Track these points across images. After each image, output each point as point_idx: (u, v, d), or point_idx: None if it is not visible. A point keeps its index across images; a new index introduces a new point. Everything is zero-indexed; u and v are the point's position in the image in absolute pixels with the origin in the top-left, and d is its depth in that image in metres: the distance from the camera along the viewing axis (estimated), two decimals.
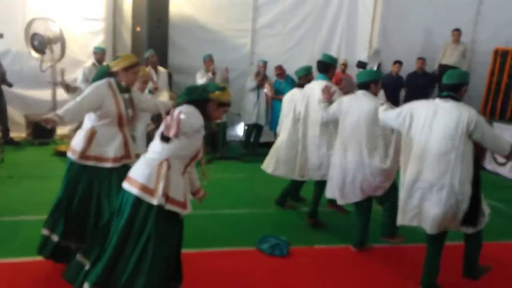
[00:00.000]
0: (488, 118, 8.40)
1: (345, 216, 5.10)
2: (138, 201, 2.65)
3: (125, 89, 3.39)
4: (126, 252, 2.68)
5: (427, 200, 3.31)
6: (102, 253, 2.73)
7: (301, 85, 5.14)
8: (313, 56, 9.08)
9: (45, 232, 3.40)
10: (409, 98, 8.76)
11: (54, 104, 7.59)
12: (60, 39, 7.32)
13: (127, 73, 3.32)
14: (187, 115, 2.59)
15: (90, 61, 7.15)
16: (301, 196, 5.57)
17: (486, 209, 3.42)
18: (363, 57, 9.15)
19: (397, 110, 3.62)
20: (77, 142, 3.34)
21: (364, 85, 4.05)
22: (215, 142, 7.86)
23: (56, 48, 7.36)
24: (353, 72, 8.97)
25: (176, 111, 2.51)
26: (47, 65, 7.41)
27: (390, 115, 3.65)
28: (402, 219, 3.50)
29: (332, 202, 4.92)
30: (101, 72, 3.42)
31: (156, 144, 2.67)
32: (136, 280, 2.63)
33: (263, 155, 7.91)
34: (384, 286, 3.65)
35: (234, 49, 8.57)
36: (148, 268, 2.61)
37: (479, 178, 3.35)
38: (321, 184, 4.65)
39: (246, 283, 3.48)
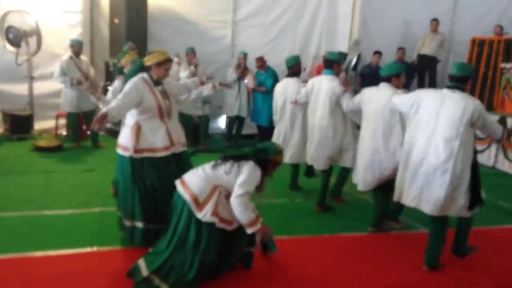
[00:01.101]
0: None
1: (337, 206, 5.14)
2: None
3: (157, 83, 3.63)
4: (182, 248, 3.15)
5: (430, 183, 3.51)
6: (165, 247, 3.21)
7: (293, 74, 5.46)
8: (294, 48, 9.11)
9: (127, 223, 3.71)
10: None
11: (31, 99, 7.46)
12: (36, 32, 7.16)
13: (159, 68, 3.56)
14: (251, 176, 3.14)
15: (67, 54, 7.00)
16: (299, 185, 5.73)
17: (482, 194, 3.62)
18: (343, 48, 9.19)
19: (407, 96, 3.85)
20: (125, 139, 3.61)
21: (386, 78, 4.26)
22: (197, 135, 7.82)
23: (32, 41, 7.20)
24: None
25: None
26: (23, 59, 7.25)
27: (400, 100, 3.88)
28: (404, 199, 3.75)
29: (334, 194, 5.25)
30: (135, 67, 3.67)
31: (219, 171, 3.20)
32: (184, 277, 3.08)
33: (245, 147, 7.97)
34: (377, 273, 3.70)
35: (214, 41, 8.50)
36: (196, 267, 3.08)
37: (477, 164, 3.58)
38: (327, 173, 4.95)
39: (242, 274, 3.49)
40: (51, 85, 7.49)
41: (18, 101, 7.41)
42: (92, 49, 8.04)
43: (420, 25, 9.25)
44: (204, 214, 3.08)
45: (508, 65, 7.85)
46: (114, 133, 7.84)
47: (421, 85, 9.33)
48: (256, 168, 3.17)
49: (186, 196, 3.12)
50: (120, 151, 3.68)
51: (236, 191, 3.07)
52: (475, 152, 3.61)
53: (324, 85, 4.80)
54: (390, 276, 3.63)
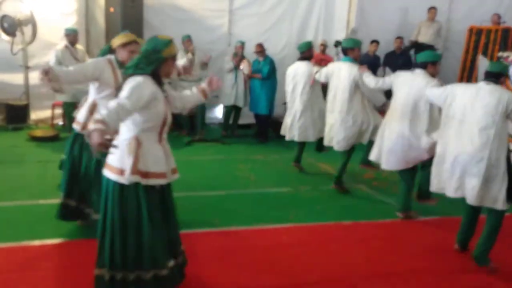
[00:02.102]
0: None
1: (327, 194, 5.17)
2: (120, 185, 2.66)
3: (121, 65, 3.56)
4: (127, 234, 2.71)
5: (468, 172, 3.59)
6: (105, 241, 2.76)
7: (304, 58, 5.84)
8: (291, 36, 9.07)
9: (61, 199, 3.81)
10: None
11: (27, 88, 7.42)
12: (31, 21, 7.09)
13: (123, 49, 3.55)
14: (132, 90, 2.56)
15: (62, 43, 6.95)
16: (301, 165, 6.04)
17: None
18: (340, 36, 9.13)
19: (442, 88, 3.94)
20: (81, 114, 3.72)
21: (422, 65, 4.34)
22: (194, 125, 7.82)
23: (27, 30, 7.14)
24: (332, 52, 9.00)
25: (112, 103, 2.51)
26: (18, 48, 7.20)
27: (434, 92, 3.97)
28: (448, 191, 3.78)
29: (364, 161, 5.61)
30: (104, 50, 3.73)
31: (122, 125, 2.68)
32: (142, 256, 2.72)
33: (243, 136, 8.01)
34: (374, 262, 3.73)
35: (211, 30, 8.45)
36: (149, 243, 2.69)
37: (510, 158, 3.64)
38: (347, 154, 5.24)
39: (239, 263, 3.52)
40: None
41: (13, 91, 7.37)
42: (87, 38, 7.99)
43: (418, 13, 9.20)
44: (127, 177, 2.63)
45: (505, 54, 7.82)
46: None
47: None
48: (143, 80, 2.62)
49: (112, 176, 2.69)
50: (73, 125, 3.81)
51: (111, 102, 2.54)
52: (509, 149, 3.66)
53: (343, 72, 5.08)
54: (384, 263, 3.67)
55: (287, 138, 6.03)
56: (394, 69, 8.71)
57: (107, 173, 2.71)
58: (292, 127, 5.90)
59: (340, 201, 5.04)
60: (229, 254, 3.65)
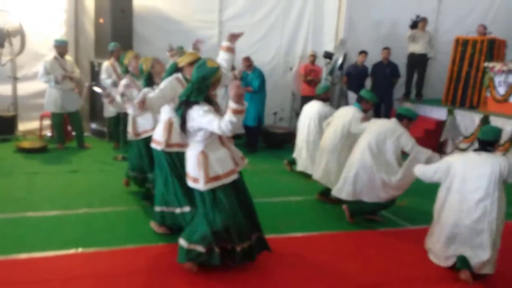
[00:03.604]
0: (449, 105, 8.66)
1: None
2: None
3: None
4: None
5: (467, 245, 3.61)
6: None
7: (321, 99, 6.30)
8: (280, 47, 9.15)
9: (177, 210, 3.97)
10: (375, 88, 8.97)
11: (15, 99, 7.36)
12: (20, 32, 7.06)
13: (191, 67, 3.70)
14: (205, 116, 3.08)
15: (51, 54, 6.92)
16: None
17: None
18: (329, 47, 9.25)
19: (434, 167, 3.88)
20: (159, 134, 3.98)
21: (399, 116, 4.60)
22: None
23: (16, 41, 7.10)
24: (321, 63, 9.08)
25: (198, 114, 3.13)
26: (7, 59, 7.15)
27: (429, 172, 3.89)
28: (439, 262, 3.81)
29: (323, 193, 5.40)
30: (170, 69, 3.94)
31: (191, 141, 3.27)
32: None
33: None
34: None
35: None
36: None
37: None
38: None
39: (230, 275, 3.49)
40: (35, 86, 7.40)
41: (1, 102, 7.31)
42: (77, 49, 7.97)
43: (406, 24, 9.34)
44: (201, 185, 3.27)
45: (491, 64, 7.97)
46: (100, 134, 7.80)
47: (408, 84, 9.44)
48: (201, 107, 3.14)
49: (190, 183, 3.39)
50: (153, 145, 4.03)
51: (214, 127, 3.07)
52: None
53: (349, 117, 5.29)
54: (373, 273, 3.67)
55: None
56: (381, 79, 8.84)
57: (187, 180, 3.43)
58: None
59: (331, 211, 5.04)
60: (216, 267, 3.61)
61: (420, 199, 5.19)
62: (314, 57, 8.89)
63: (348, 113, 5.29)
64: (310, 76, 8.86)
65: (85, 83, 7.51)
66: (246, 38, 8.64)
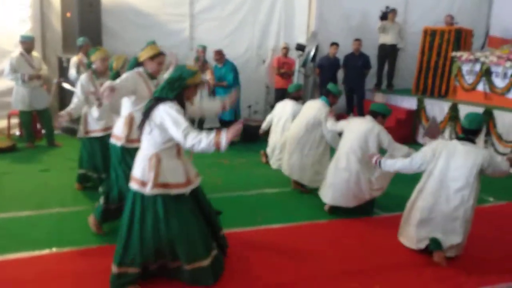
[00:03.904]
0: (420, 95, 8.85)
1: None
2: (140, 195, 3.04)
3: (152, 77, 3.83)
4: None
5: (440, 229, 3.74)
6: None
7: (293, 98, 6.36)
8: (253, 40, 9.12)
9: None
10: (347, 79, 9.07)
11: None
12: None
13: (152, 62, 3.75)
14: (178, 116, 2.88)
15: (17, 50, 6.70)
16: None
17: None
18: (301, 40, 9.29)
19: (420, 157, 3.89)
20: (119, 129, 3.85)
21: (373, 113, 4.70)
22: None
23: None
24: (294, 55, 9.11)
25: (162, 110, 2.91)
26: None
27: (415, 164, 3.90)
28: (410, 244, 3.92)
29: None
30: (131, 63, 3.87)
31: (144, 141, 3.04)
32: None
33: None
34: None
35: (172, 35, 8.38)
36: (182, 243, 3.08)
37: None
38: None
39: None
40: (1, 83, 7.18)
41: None
42: (43, 45, 7.74)
43: (376, 16, 9.48)
44: (148, 189, 2.99)
45: (458, 54, 8.18)
46: (70, 131, 7.61)
47: (379, 74, 9.59)
48: (173, 104, 2.93)
49: (135, 187, 3.07)
50: (113, 140, 3.91)
51: (177, 136, 2.87)
52: None
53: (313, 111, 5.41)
54: (352, 261, 3.74)
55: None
56: (353, 70, 8.94)
57: (131, 183, 3.09)
58: None
59: (307, 201, 5.09)
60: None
61: (394, 188, 5.29)
62: (286, 49, 8.92)
63: (314, 107, 5.35)
64: (284, 68, 8.89)
65: (53, 79, 7.32)
66: (217, 32, 8.68)
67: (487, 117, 7.14)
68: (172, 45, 8.19)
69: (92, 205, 4.61)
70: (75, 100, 4.74)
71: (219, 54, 7.71)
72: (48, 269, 3.33)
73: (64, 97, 7.57)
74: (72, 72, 6.74)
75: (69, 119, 4.34)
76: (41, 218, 4.26)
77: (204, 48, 7.75)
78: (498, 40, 9.86)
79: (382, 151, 4.59)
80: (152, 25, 8.11)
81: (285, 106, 6.31)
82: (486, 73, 7.69)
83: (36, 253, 3.56)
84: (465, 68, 8.10)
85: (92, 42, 6.79)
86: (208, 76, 7.71)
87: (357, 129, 4.62)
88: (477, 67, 7.85)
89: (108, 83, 3.45)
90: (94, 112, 4.81)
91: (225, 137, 2.77)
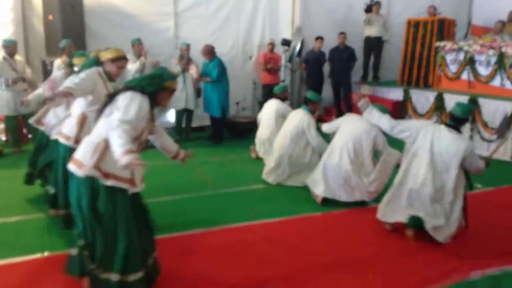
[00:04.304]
0: (406, 86, 8.93)
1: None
2: (86, 180, 2.77)
3: (110, 79, 3.74)
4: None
5: (424, 210, 3.85)
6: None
7: (279, 98, 6.55)
8: (238, 37, 9.11)
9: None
10: (333, 73, 9.11)
11: None
12: None
13: (112, 64, 3.65)
14: (137, 108, 2.73)
15: (0, 55, 6.62)
16: None
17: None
18: (287, 35, 9.31)
19: (406, 123, 4.09)
20: (70, 128, 3.68)
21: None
22: None
23: None
24: (280, 50, 9.12)
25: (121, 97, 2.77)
26: None
27: (396, 128, 4.07)
28: (390, 218, 4.06)
29: None
30: (91, 61, 3.74)
31: (98, 126, 2.83)
32: (111, 257, 2.80)
33: (197, 139, 7.97)
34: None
35: (157, 34, 8.32)
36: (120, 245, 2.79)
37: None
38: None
39: (204, 264, 3.48)
40: None
41: None
42: (26, 48, 7.64)
43: (360, 9, 9.54)
44: (84, 170, 2.73)
45: (442, 44, 8.27)
46: None
47: (365, 67, 9.65)
48: (136, 95, 2.78)
49: (72, 167, 2.81)
50: (61, 140, 3.75)
51: (114, 119, 2.68)
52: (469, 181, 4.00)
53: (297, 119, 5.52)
54: (342, 251, 3.77)
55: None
56: (339, 64, 8.98)
57: (71, 166, 2.83)
58: None
59: (298, 195, 5.12)
60: (192, 256, 3.61)
61: None
62: (272, 45, 8.93)
63: (296, 117, 5.50)
64: (270, 64, 8.90)
65: (38, 83, 7.23)
66: (202, 29, 8.65)
67: (472, 105, 7.24)
68: (157, 44, 8.19)
69: None
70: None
71: (208, 50, 7.61)
72: (40, 274, 3.30)
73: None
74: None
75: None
76: (31, 223, 4.22)
77: (188, 46, 7.71)
78: (481, 29, 9.99)
79: (376, 154, 4.73)
80: (136, 25, 8.05)
81: (272, 105, 6.51)
82: (470, 62, 7.78)
83: (27, 258, 3.53)
84: (449, 57, 8.19)
85: (76, 44, 6.72)
86: (194, 74, 7.68)
87: (354, 128, 4.68)
88: (461, 56, 7.95)
89: (64, 85, 3.41)
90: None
91: (126, 159, 2.45)
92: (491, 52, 7.39)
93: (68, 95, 3.39)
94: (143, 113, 2.79)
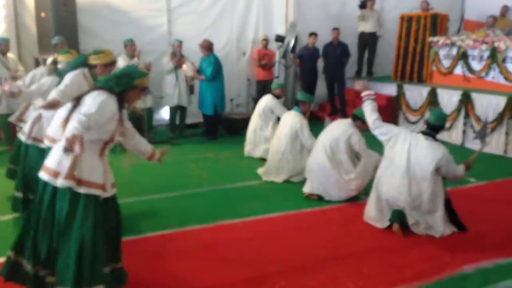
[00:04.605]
0: (399, 81, 8.96)
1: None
2: (51, 186, 2.67)
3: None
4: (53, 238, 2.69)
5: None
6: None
7: (274, 95, 6.58)
8: (232, 33, 9.09)
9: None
10: (327, 69, 9.12)
11: None
12: None
13: (105, 69, 3.56)
14: (99, 105, 2.63)
15: None
16: None
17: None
18: (280, 31, 9.31)
19: (387, 127, 4.18)
20: (55, 131, 3.48)
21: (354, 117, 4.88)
22: (141, 128, 7.65)
23: None
24: (274, 46, 9.12)
25: (88, 99, 2.67)
26: None
27: (381, 130, 4.19)
28: (379, 224, 4.12)
29: None
30: (78, 61, 3.65)
31: (68, 129, 2.56)
32: (67, 265, 2.62)
33: (191, 136, 7.97)
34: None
35: (150, 30, 8.29)
36: (75, 252, 2.61)
37: (449, 199, 4.06)
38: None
39: (199, 261, 3.50)
40: None
41: None
42: (19, 46, 7.59)
43: (354, 4, 9.56)
44: (60, 180, 2.64)
45: (435, 39, 8.30)
46: None
47: (360, 62, 9.67)
48: (102, 94, 2.71)
49: (44, 176, 2.71)
50: (47, 142, 3.62)
51: (80, 112, 2.60)
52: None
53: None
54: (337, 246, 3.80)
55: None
56: (332, 59, 8.99)
57: (42, 174, 2.71)
58: None
59: (292, 191, 5.14)
60: (188, 253, 3.62)
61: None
62: (266, 41, 8.93)
63: (288, 119, 5.55)
64: (264, 60, 8.90)
65: None
66: (196, 26, 8.62)
67: (465, 100, 7.29)
68: (150, 41, 8.17)
69: None
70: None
71: (206, 45, 7.57)
72: None
73: None
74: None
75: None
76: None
77: (180, 43, 7.68)
78: (474, 24, 10.03)
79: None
80: (129, 22, 8.01)
81: (263, 100, 6.60)
82: (463, 57, 7.82)
83: None
84: (442, 52, 8.23)
85: (69, 41, 6.69)
86: (189, 72, 7.63)
87: (335, 128, 4.84)
88: (454, 51, 7.99)
89: (50, 97, 3.37)
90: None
91: (70, 141, 2.42)
92: (484, 47, 7.43)
93: (56, 105, 3.36)
94: (109, 113, 2.69)
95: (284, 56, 9.11)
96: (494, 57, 7.32)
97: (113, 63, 3.71)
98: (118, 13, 7.97)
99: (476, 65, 7.65)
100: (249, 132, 6.66)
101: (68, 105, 3.37)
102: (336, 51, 8.96)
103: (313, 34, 8.97)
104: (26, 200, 4.14)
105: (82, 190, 2.66)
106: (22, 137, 4.28)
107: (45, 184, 2.71)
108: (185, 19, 8.55)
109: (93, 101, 2.66)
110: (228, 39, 9.08)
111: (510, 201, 4.93)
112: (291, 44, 8.87)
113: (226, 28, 9.01)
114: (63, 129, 3.21)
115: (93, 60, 3.60)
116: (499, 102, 6.84)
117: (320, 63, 9.25)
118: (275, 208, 4.61)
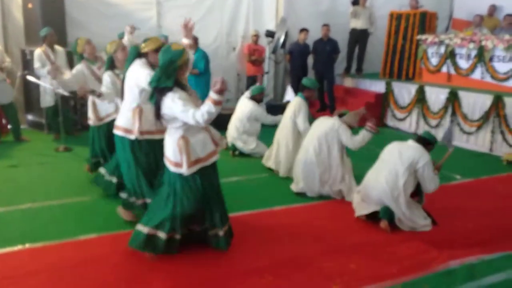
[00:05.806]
0: (388, 78, 9.02)
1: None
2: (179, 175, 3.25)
3: (154, 67, 3.69)
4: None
5: (382, 204, 4.11)
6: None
7: (254, 100, 6.48)
8: (222, 27, 9.05)
9: (139, 201, 3.92)
10: (316, 65, 9.13)
11: None
12: None
13: (155, 54, 3.61)
14: (182, 102, 2.99)
15: None
16: None
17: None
18: (271, 26, 9.29)
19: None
20: (127, 121, 3.77)
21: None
22: None
23: None
24: (264, 42, 9.11)
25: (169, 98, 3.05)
26: None
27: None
28: (360, 210, 4.26)
29: None
30: (132, 54, 3.78)
31: (168, 127, 3.23)
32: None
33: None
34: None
35: (139, 23, 8.17)
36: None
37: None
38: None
39: (195, 257, 3.49)
40: None
41: None
42: (5, 37, 7.47)
43: (344, 1, 9.56)
44: (184, 168, 3.19)
45: (423, 37, 8.36)
46: (38, 126, 7.43)
47: (349, 59, 9.70)
48: (174, 94, 3.05)
49: (172, 168, 3.27)
50: (120, 133, 3.83)
51: (190, 122, 3.01)
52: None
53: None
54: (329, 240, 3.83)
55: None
56: (322, 56, 9.00)
57: (168, 165, 3.30)
58: None
59: (282, 187, 5.14)
60: (183, 250, 3.61)
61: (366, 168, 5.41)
62: (256, 36, 8.91)
63: (292, 104, 5.57)
64: (254, 55, 8.88)
65: (17, 72, 7.09)
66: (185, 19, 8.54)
67: (453, 98, 7.37)
68: (139, 34, 8.07)
69: (65, 199, 4.54)
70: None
71: (193, 40, 7.53)
72: (23, 265, 3.26)
73: (29, 90, 7.36)
74: (37, 65, 6.54)
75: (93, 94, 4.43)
76: (12, 215, 4.15)
77: (166, 38, 7.62)
78: (462, 22, 10.13)
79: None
80: (118, 14, 7.93)
81: (245, 106, 6.41)
82: (451, 55, 7.90)
83: (10, 249, 3.48)
84: (430, 50, 8.30)
85: (56, 33, 6.61)
86: None
87: (321, 125, 4.87)
88: (442, 49, 8.05)
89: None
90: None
91: (212, 93, 2.88)
92: (471, 45, 7.51)
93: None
94: (187, 99, 3.06)
95: (274, 51, 9.10)
96: (481, 55, 7.40)
97: (162, 46, 3.67)
98: (106, 4, 7.89)
99: (464, 64, 7.73)
100: (231, 137, 6.48)
101: (136, 96, 3.74)
102: (326, 48, 8.98)
103: (304, 30, 8.96)
104: (120, 183, 4.36)
105: (207, 163, 3.30)
106: (117, 132, 4.02)
107: (173, 174, 3.30)
108: (175, 13, 8.48)
109: (181, 104, 2.99)
110: (218, 33, 9.05)
111: (495, 198, 5.01)
112: (281, 39, 8.86)
113: (216, 23, 8.97)
114: (139, 120, 3.73)
115: (143, 49, 3.71)
116: (486, 100, 6.93)
117: (311, 59, 9.26)
118: (265, 203, 4.60)
